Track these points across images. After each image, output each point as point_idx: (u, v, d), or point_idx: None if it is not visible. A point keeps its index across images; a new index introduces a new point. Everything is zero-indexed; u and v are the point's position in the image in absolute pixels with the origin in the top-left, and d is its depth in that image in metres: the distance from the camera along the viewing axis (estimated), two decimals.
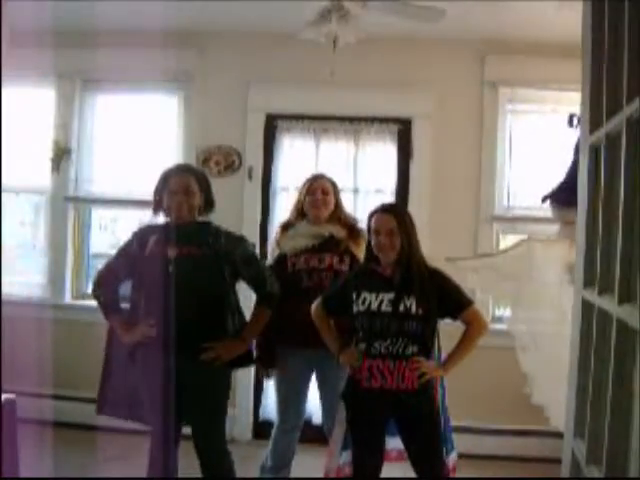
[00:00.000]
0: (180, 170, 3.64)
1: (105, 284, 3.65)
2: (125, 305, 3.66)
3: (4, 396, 3.35)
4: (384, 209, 3.44)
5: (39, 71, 5.50)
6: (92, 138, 5.85)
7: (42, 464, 4.06)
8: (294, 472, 4.27)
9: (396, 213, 3.41)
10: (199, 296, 3.43)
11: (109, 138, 5.84)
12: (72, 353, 5.29)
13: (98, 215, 6.01)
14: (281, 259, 4.07)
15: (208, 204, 3.65)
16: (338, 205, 4.14)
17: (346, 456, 3.55)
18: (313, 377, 4.14)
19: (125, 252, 3.63)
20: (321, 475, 3.66)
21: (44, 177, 5.73)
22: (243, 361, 3.68)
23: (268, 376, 4.18)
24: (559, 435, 4.03)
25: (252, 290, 3.71)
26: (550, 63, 4.98)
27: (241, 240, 3.70)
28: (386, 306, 3.30)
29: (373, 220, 3.40)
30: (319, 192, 4.08)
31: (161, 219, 3.69)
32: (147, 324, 3.45)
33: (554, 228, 4.10)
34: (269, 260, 4.28)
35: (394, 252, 3.33)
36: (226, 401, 3.59)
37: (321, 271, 3.97)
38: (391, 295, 3.30)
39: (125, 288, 3.67)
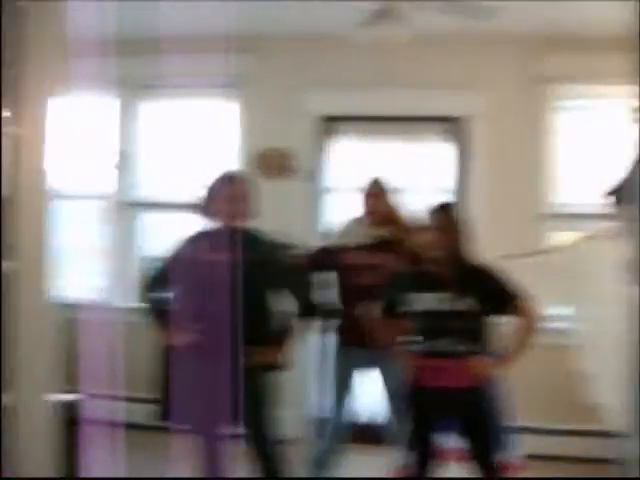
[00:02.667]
0: (236, 177, 3.69)
1: (155, 288, 3.70)
2: (172, 308, 3.68)
3: (72, 396, 3.45)
4: (433, 208, 3.48)
5: (101, 78, 5.61)
6: (152, 143, 5.97)
7: (115, 465, 4.14)
8: (351, 471, 4.31)
9: (444, 212, 3.45)
10: (248, 300, 3.44)
11: (168, 143, 5.95)
12: (135, 355, 5.39)
13: (159, 219, 6.11)
14: (338, 252, 4.16)
15: (253, 211, 3.70)
16: (394, 207, 4.17)
17: (405, 456, 3.57)
18: (373, 375, 4.18)
19: (175, 256, 3.67)
20: (375, 474, 3.67)
21: (106, 183, 5.87)
22: (281, 366, 3.68)
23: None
24: (615, 435, 4.01)
25: (293, 298, 3.72)
26: (600, 58, 4.90)
27: (288, 248, 3.77)
28: (442, 305, 3.32)
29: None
30: (372, 198, 4.17)
31: (206, 222, 3.73)
32: (195, 328, 3.50)
33: (609, 225, 4.05)
34: (324, 243, 4.47)
35: (439, 250, 3.37)
36: (273, 402, 3.63)
37: (376, 269, 4.01)
38: (446, 294, 3.32)
39: (174, 291, 3.69)
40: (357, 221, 4.25)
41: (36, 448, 2.33)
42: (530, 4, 4.61)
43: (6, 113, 2.29)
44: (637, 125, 3.51)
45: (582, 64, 5.15)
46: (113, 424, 4.65)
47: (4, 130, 2.25)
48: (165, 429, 4.01)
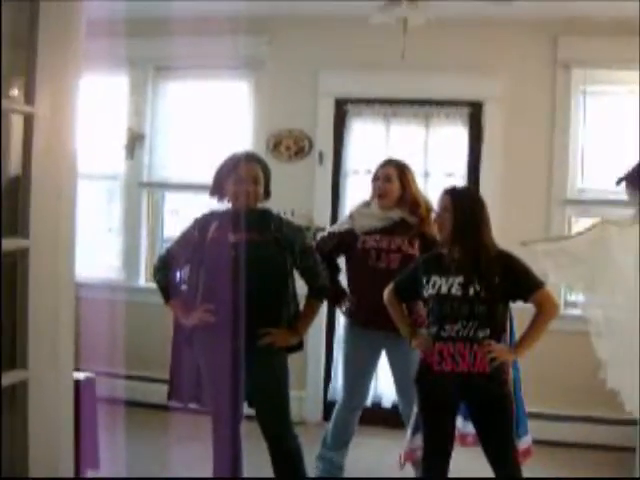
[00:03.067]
0: (249, 158, 3.64)
1: (166, 268, 3.68)
2: (184, 288, 3.70)
3: (84, 375, 3.45)
4: (445, 191, 3.47)
5: (113, 59, 5.59)
6: (164, 124, 5.95)
7: (116, 443, 4.16)
8: (362, 453, 4.31)
9: (453, 195, 3.42)
10: (259, 281, 3.42)
11: (181, 124, 5.93)
12: (147, 334, 5.42)
13: (171, 199, 6.12)
14: (351, 235, 4.13)
15: (266, 193, 3.67)
16: (408, 189, 4.13)
17: (417, 440, 3.56)
18: (384, 359, 4.17)
19: (186, 237, 3.65)
20: (389, 457, 3.67)
21: (118, 163, 5.87)
22: (294, 347, 3.65)
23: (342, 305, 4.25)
24: (633, 422, 3.99)
25: (304, 281, 3.69)
26: (623, 43, 4.83)
27: (300, 230, 3.74)
28: (456, 290, 3.29)
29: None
30: (381, 180, 4.13)
31: (218, 203, 3.71)
32: (206, 308, 3.48)
33: (629, 212, 4.01)
34: (334, 227, 4.43)
35: (446, 231, 3.36)
36: (287, 384, 3.59)
37: (390, 252, 4.00)
38: (460, 278, 3.30)
39: (185, 272, 3.70)
40: (370, 204, 4.22)
41: (47, 427, 2.32)
42: None
43: (17, 92, 2.26)
44: None
45: (602, 48, 5.08)
46: (121, 402, 4.69)
47: (17, 108, 2.22)
48: (176, 409, 4.04)
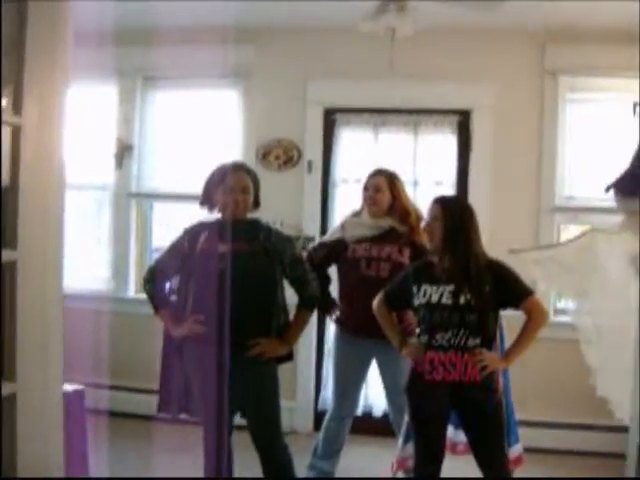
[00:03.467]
0: (237, 168, 3.64)
1: (155, 279, 3.67)
2: (174, 299, 3.67)
3: (73, 387, 3.43)
4: (435, 200, 3.48)
5: (101, 69, 5.57)
6: (153, 134, 5.94)
7: (105, 455, 4.14)
8: (353, 462, 4.29)
9: (442, 203, 3.44)
10: (249, 292, 3.42)
11: (170, 134, 5.92)
12: (136, 345, 5.39)
13: (160, 210, 6.09)
14: (341, 244, 4.15)
15: (255, 203, 3.67)
16: (398, 199, 4.15)
17: (408, 448, 3.56)
18: (375, 367, 4.17)
19: (176, 248, 3.64)
20: (380, 465, 3.67)
21: (107, 173, 5.84)
22: (284, 357, 3.65)
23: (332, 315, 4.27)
24: (623, 429, 4.00)
25: (294, 291, 3.69)
26: (611, 51, 4.87)
27: (289, 240, 3.74)
28: (446, 298, 3.30)
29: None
30: (372, 190, 4.15)
31: (208, 214, 3.70)
32: (196, 319, 3.47)
33: (617, 219, 4.03)
34: (325, 237, 4.45)
35: (437, 240, 3.37)
36: (277, 395, 3.58)
37: (380, 261, 4.01)
38: (451, 287, 3.30)
39: (175, 283, 3.68)
40: (360, 213, 4.23)
41: (37, 439, 2.30)
42: None
43: (6, 102, 2.25)
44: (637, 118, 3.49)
45: (589, 56, 5.10)
46: (108, 414, 4.66)
47: (4, 119, 2.21)
48: (165, 420, 4.02)
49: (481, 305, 3.27)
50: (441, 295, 3.31)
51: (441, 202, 3.44)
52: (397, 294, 3.55)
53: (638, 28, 2.36)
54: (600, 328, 3.80)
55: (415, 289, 3.39)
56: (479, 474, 3.35)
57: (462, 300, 3.27)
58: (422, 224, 3.72)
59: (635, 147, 3.80)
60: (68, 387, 3.27)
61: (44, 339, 2.31)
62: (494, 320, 3.40)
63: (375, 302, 3.60)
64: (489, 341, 3.35)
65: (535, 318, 3.36)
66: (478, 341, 3.29)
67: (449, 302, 3.29)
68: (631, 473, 2.42)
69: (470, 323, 3.27)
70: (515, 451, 3.64)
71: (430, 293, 3.34)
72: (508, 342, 3.50)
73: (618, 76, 4.99)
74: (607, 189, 4.05)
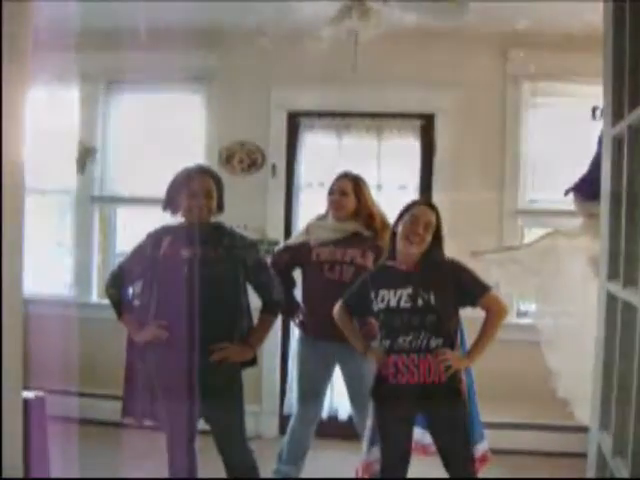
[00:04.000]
0: (201, 172, 3.62)
1: (118, 284, 3.64)
2: (137, 304, 3.66)
3: (33, 393, 3.39)
4: (419, 202, 3.53)
5: (63, 72, 5.53)
6: (116, 138, 5.90)
7: (69, 461, 4.09)
8: (319, 466, 4.28)
9: (430, 207, 3.46)
10: (212, 297, 3.41)
11: (133, 138, 5.88)
12: (99, 351, 5.34)
13: (123, 214, 6.04)
14: (306, 247, 4.14)
15: (219, 206, 3.66)
16: (363, 202, 4.15)
17: (374, 452, 3.56)
18: (339, 371, 4.17)
19: (139, 252, 3.62)
20: (343, 470, 3.66)
21: (69, 177, 5.78)
22: (249, 361, 3.64)
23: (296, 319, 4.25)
24: (584, 429, 4.03)
25: (258, 295, 3.69)
26: (573, 56, 4.91)
27: (253, 244, 3.73)
28: (405, 302, 3.31)
29: (409, 214, 3.42)
30: (337, 194, 4.15)
31: (170, 217, 3.69)
32: (158, 324, 3.46)
33: (578, 221, 4.08)
34: (290, 240, 4.46)
35: (422, 245, 3.36)
36: (241, 399, 3.58)
37: (343, 264, 4.01)
38: (409, 290, 3.31)
39: (138, 288, 3.66)
40: (324, 217, 4.24)
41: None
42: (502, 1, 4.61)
43: None
44: (599, 123, 3.53)
45: (551, 62, 5.16)
46: (72, 420, 4.61)
47: None
48: (130, 426, 3.99)
49: (440, 305, 3.28)
50: (399, 298, 3.32)
51: (428, 205, 3.47)
52: (355, 301, 3.55)
53: (598, 34, 2.40)
54: (560, 330, 3.83)
55: (373, 295, 3.39)
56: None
57: (420, 302, 3.28)
58: (386, 228, 3.73)
59: (594, 151, 3.84)
60: (28, 394, 3.23)
61: (2, 345, 2.28)
62: (454, 320, 3.42)
63: (335, 310, 3.61)
64: (451, 341, 3.37)
65: (495, 313, 3.39)
66: (440, 342, 3.30)
67: (407, 305, 3.30)
68: (592, 473, 2.44)
69: (430, 324, 3.28)
70: (480, 449, 3.65)
71: (388, 298, 3.34)
72: (468, 344, 3.52)
73: (579, 81, 5.03)
74: (566, 192, 4.09)
